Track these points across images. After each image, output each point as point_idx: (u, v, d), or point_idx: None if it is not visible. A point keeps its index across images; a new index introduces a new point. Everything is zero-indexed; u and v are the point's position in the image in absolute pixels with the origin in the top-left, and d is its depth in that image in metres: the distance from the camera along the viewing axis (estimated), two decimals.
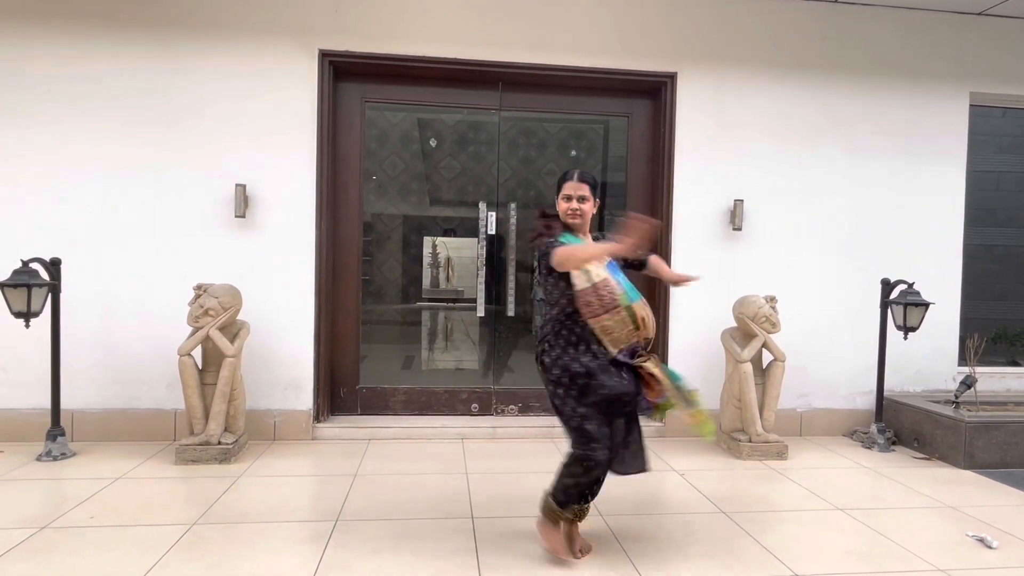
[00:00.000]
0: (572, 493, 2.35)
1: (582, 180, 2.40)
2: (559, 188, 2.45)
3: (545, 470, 3.41)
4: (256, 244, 3.88)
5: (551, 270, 2.31)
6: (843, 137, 4.31)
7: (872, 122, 4.34)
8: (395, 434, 4.00)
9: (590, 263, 2.27)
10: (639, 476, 3.35)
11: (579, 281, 2.29)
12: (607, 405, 2.29)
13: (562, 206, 2.41)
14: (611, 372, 2.29)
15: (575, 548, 2.42)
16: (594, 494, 2.40)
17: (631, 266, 2.56)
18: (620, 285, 2.33)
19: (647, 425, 4.19)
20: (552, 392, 2.35)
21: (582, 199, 2.39)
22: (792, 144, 4.27)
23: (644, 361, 2.33)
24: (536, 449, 3.80)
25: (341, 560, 2.36)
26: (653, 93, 4.31)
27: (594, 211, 2.45)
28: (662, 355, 4.21)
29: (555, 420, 2.45)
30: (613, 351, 2.30)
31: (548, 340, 2.37)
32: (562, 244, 2.30)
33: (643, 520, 2.82)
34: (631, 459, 2.37)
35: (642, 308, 2.34)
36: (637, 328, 2.31)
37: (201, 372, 3.50)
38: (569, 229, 2.41)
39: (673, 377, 2.36)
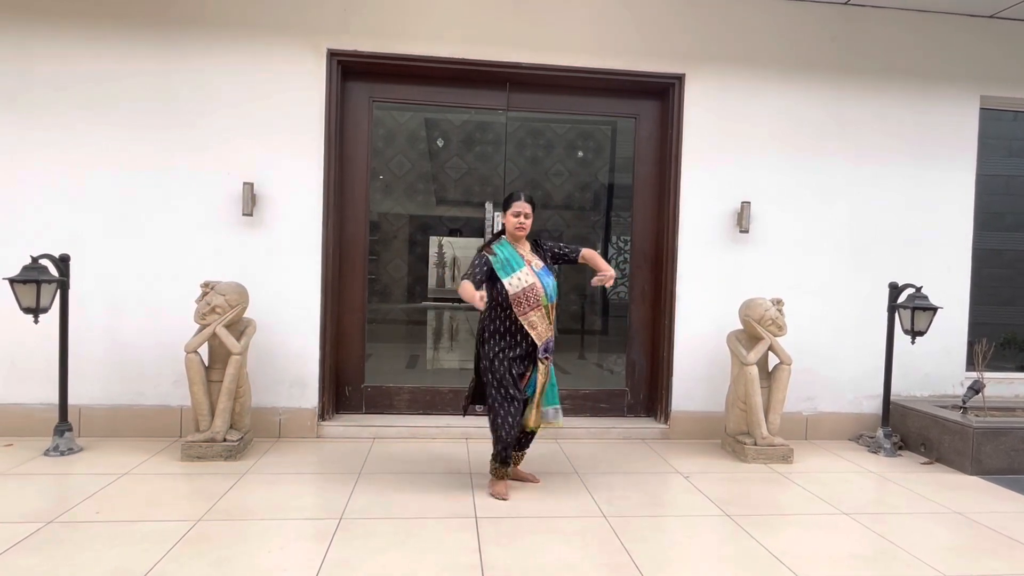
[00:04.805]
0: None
1: (528, 201, 3.05)
2: (507, 205, 3.07)
3: (547, 469, 3.41)
4: (263, 242, 3.89)
5: (489, 276, 2.98)
6: (852, 139, 4.29)
7: (881, 124, 4.31)
8: (399, 433, 4.01)
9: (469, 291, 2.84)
10: (642, 477, 3.42)
11: (511, 287, 2.93)
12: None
13: (511, 220, 3.05)
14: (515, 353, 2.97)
15: (522, 478, 3.25)
16: (511, 457, 3.09)
17: (567, 261, 3.17)
18: (544, 288, 2.97)
19: (652, 427, 4.23)
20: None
21: (527, 216, 3.04)
22: (800, 146, 4.25)
23: (543, 368, 2.98)
24: (538, 448, 3.79)
25: (345, 557, 2.37)
26: (661, 94, 4.30)
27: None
28: (667, 357, 4.22)
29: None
30: (539, 343, 2.95)
31: (486, 328, 3.01)
32: (487, 261, 2.95)
33: (647, 522, 2.81)
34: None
35: (554, 307, 3.03)
36: (551, 323, 2.99)
37: (207, 369, 3.52)
38: (512, 239, 3.06)
39: (548, 400, 3.06)
